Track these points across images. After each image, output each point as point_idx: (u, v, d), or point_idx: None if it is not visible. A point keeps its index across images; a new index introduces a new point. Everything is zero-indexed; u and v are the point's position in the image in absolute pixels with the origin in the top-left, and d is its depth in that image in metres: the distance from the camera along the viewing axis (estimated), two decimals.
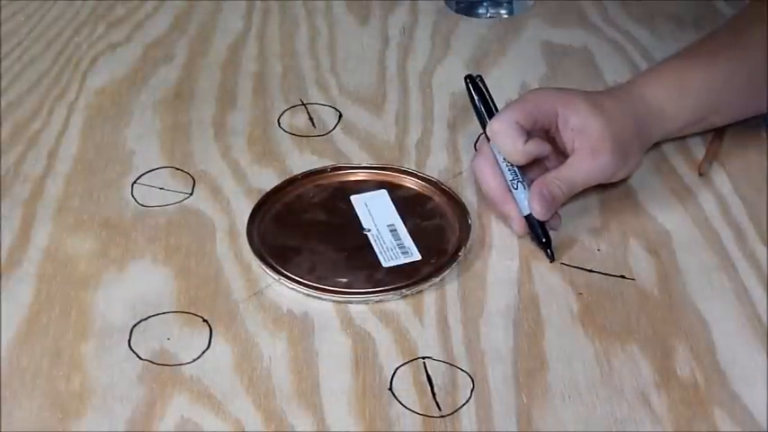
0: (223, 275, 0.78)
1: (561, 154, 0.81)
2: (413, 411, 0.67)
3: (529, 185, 0.78)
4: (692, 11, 1.09)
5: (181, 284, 0.77)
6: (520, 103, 0.81)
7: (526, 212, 0.78)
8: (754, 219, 0.81)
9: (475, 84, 0.83)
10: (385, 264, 0.78)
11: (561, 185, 0.78)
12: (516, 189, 0.79)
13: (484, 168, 0.81)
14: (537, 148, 0.79)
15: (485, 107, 0.82)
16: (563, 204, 0.80)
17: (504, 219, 0.80)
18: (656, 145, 0.88)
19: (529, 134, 0.79)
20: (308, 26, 1.09)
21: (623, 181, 0.84)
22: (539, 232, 0.78)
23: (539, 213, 0.77)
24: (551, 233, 0.78)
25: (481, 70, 1.00)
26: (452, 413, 0.67)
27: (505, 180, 0.79)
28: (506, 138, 0.78)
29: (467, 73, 0.84)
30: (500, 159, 0.79)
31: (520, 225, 0.79)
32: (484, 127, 0.81)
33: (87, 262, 0.79)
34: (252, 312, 0.74)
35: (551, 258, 0.77)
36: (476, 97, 0.83)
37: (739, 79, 0.85)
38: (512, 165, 0.79)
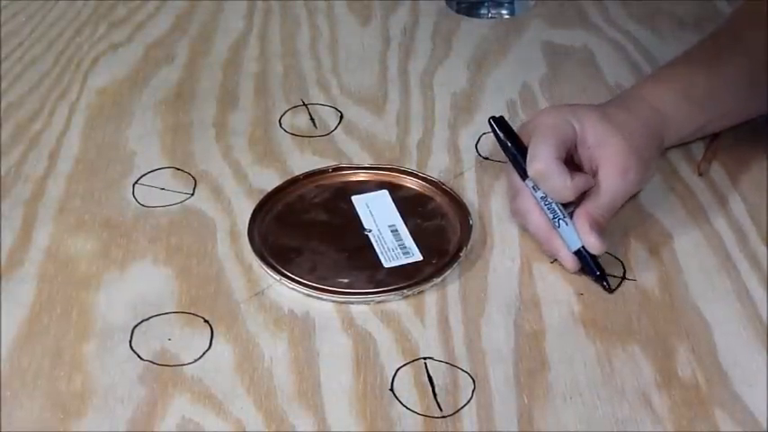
0: (224, 276, 0.78)
1: (577, 169, 0.79)
2: (414, 412, 0.67)
3: (567, 217, 0.76)
4: (692, 11, 1.09)
5: (182, 285, 0.77)
6: (547, 135, 0.78)
7: (575, 247, 0.76)
8: (755, 219, 0.81)
9: (500, 124, 0.81)
10: (386, 264, 0.78)
11: (604, 213, 0.77)
12: (559, 227, 0.76)
13: (528, 207, 0.78)
14: (585, 182, 0.77)
15: (517, 148, 0.80)
16: None
17: (553, 256, 0.78)
18: None
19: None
20: (309, 26, 1.09)
21: None
22: (592, 266, 0.75)
23: (595, 247, 0.75)
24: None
25: (482, 71, 1.00)
26: (453, 413, 0.67)
27: (548, 218, 0.77)
28: (553, 177, 0.76)
29: (491, 115, 0.82)
30: (538, 197, 0.77)
31: (572, 262, 0.76)
32: (518, 167, 0.79)
33: (88, 262, 0.79)
34: (253, 313, 0.74)
35: (610, 290, 0.75)
36: (506, 141, 0.80)
37: (742, 83, 0.85)
38: (551, 202, 0.77)
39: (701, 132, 0.87)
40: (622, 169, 0.78)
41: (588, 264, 0.76)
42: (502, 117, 0.82)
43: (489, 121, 0.82)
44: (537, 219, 0.78)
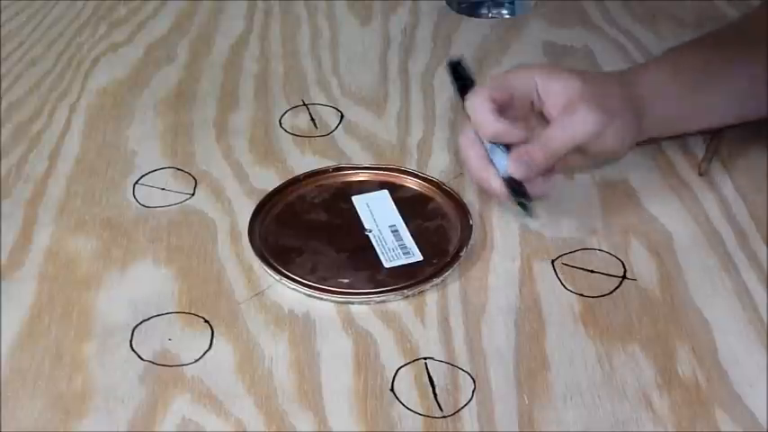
0: (225, 276, 0.78)
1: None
2: (414, 412, 0.67)
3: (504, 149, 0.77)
4: (693, 11, 1.09)
5: (182, 285, 0.77)
6: (497, 78, 0.81)
7: (505, 174, 0.77)
8: (756, 218, 0.81)
9: (456, 68, 0.82)
10: (386, 264, 0.78)
11: (540, 146, 0.76)
12: (494, 153, 0.77)
13: (467, 142, 0.80)
14: (507, 127, 0.77)
15: (465, 87, 0.81)
16: (551, 170, 0.78)
17: (484, 189, 0.79)
18: (657, 144, 0.88)
19: (505, 113, 0.78)
20: (309, 26, 1.09)
21: (624, 182, 0.85)
22: (515, 190, 0.76)
23: (514, 169, 0.76)
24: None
25: (483, 70, 1.00)
26: (454, 414, 0.67)
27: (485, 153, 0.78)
28: (477, 112, 0.77)
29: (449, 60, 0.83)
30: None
31: (500, 188, 0.77)
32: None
33: (89, 262, 0.79)
34: (253, 313, 0.74)
35: (530, 214, 0.76)
36: (455, 82, 0.82)
37: (738, 81, 0.84)
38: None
39: (692, 123, 0.86)
40: (569, 103, 0.77)
41: (513, 189, 0.77)
42: (459, 62, 0.82)
43: (447, 65, 0.83)
44: (473, 151, 0.79)
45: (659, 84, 0.82)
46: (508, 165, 0.77)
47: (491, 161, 0.78)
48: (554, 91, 0.78)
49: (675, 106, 0.83)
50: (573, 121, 0.77)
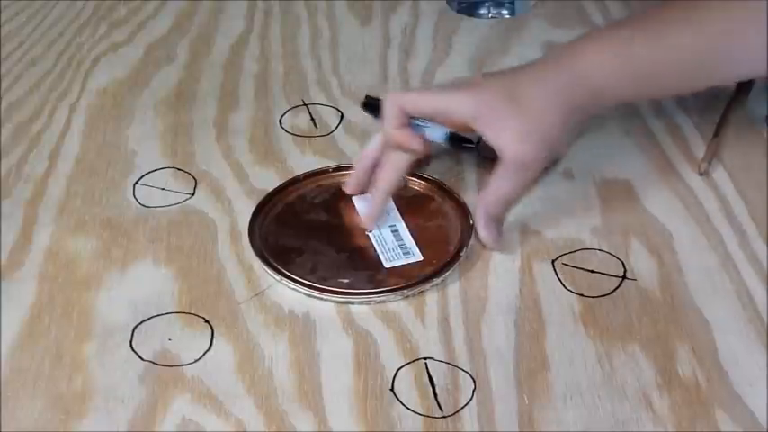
0: (225, 276, 0.78)
1: None
2: (414, 412, 0.67)
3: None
4: None
5: (182, 285, 0.77)
6: (428, 93, 0.82)
7: (445, 135, 0.79)
8: (756, 218, 0.81)
9: (370, 105, 0.85)
10: (386, 264, 0.78)
11: (506, 205, 0.79)
12: (426, 127, 0.79)
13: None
14: (404, 139, 0.78)
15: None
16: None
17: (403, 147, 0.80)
18: (657, 144, 0.89)
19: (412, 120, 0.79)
20: (309, 26, 1.10)
21: (624, 182, 0.85)
22: (459, 144, 0.79)
23: (487, 241, 0.78)
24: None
25: (483, 70, 1.00)
26: (454, 414, 0.67)
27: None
28: (383, 116, 0.79)
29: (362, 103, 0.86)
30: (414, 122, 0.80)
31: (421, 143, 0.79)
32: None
33: (89, 262, 0.79)
34: (253, 313, 0.74)
35: (481, 152, 0.78)
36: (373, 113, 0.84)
37: (687, 54, 0.80)
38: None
39: (635, 100, 0.85)
40: (518, 162, 0.77)
41: (457, 140, 0.79)
42: (366, 100, 0.85)
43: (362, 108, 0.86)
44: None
45: (607, 77, 0.79)
46: (480, 234, 0.79)
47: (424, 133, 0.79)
48: (494, 140, 0.77)
49: (621, 97, 0.82)
50: (526, 175, 0.78)
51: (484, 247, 0.79)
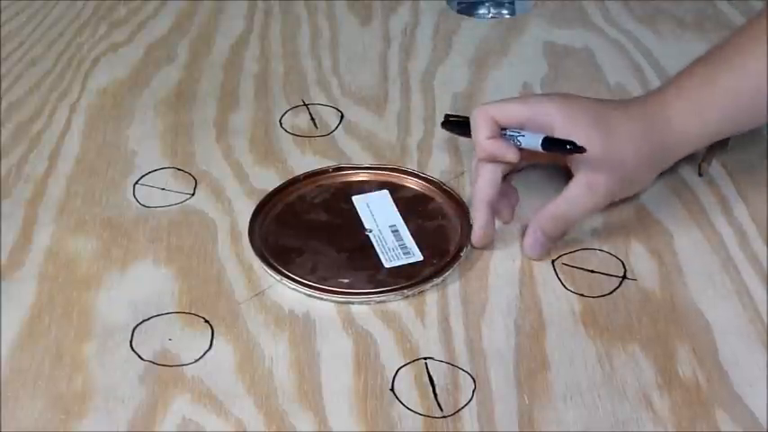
0: (225, 276, 0.78)
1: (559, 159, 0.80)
2: (414, 412, 0.67)
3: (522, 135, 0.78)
4: (693, 11, 1.09)
5: (182, 285, 0.77)
6: (515, 102, 0.81)
7: (538, 143, 0.77)
8: (756, 218, 0.81)
9: (451, 122, 0.87)
10: (387, 264, 0.78)
11: (558, 224, 0.78)
12: (520, 142, 0.78)
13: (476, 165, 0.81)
14: (497, 149, 0.78)
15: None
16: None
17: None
18: None
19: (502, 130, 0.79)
20: (309, 26, 1.09)
21: None
22: (558, 146, 0.76)
23: (527, 249, 0.78)
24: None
25: (483, 70, 1.00)
26: (454, 414, 0.67)
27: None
28: (474, 128, 0.79)
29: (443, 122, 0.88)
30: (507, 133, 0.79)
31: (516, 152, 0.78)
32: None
33: (89, 262, 0.79)
34: (253, 313, 0.74)
35: (581, 149, 0.75)
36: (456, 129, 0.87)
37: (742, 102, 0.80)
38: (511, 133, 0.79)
39: (729, 132, 0.84)
40: (590, 185, 0.77)
41: (556, 146, 0.76)
42: (447, 118, 0.87)
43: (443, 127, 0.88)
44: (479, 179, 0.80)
45: (690, 124, 0.80)
46: (523, 243, 0.78)
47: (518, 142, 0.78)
48: (574, 160, 0.77)
49: (706, 139, 0.82)
50: (595, 201, 0.78)
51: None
